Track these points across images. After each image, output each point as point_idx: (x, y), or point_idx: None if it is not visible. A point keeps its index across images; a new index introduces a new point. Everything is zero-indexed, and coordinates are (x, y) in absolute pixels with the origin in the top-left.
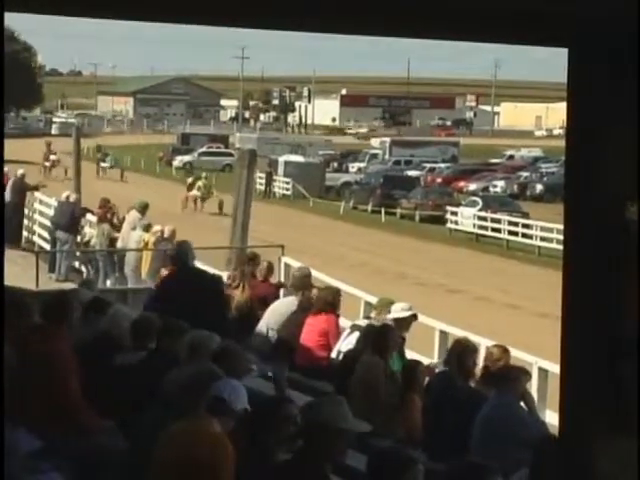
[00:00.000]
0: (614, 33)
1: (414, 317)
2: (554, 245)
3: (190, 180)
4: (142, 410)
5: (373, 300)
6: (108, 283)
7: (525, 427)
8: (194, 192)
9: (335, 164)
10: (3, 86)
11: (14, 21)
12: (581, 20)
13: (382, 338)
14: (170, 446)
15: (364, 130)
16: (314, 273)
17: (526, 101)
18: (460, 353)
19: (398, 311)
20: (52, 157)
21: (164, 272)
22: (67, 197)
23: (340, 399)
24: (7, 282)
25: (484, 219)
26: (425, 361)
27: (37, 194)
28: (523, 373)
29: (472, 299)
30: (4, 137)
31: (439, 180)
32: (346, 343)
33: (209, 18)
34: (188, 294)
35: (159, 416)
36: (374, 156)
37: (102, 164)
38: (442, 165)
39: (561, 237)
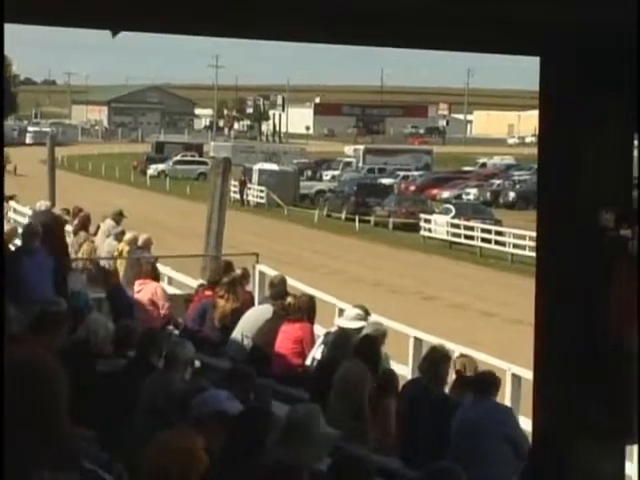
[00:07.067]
0: (585, 41)
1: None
2: (527, 252)
3: None
4: (123, 419)
5: (347, 307)
6: None
7: (514, 429)
8: None
9: (309, 172)
10: (3, 90)
11: None
12: (552, 29)
13: (372, 348)
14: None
15: None
16: (289, 281)
17: (498, 109)
18: (434, 361)
19: (350, 319)
20: None
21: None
22: (42, 206)
23: (315, 406)
24: None
25: (457, 226)
26: (399, 369)
27: (11, 203)
28: (498, 378)
29: (446, 306)
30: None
31: (413, 188)
32: (320, 351)
33: (185, 27)
34: None
35: (139, 425)
36: (348, 164)
37: None
38: (416, 173)
39: (533, 244)
